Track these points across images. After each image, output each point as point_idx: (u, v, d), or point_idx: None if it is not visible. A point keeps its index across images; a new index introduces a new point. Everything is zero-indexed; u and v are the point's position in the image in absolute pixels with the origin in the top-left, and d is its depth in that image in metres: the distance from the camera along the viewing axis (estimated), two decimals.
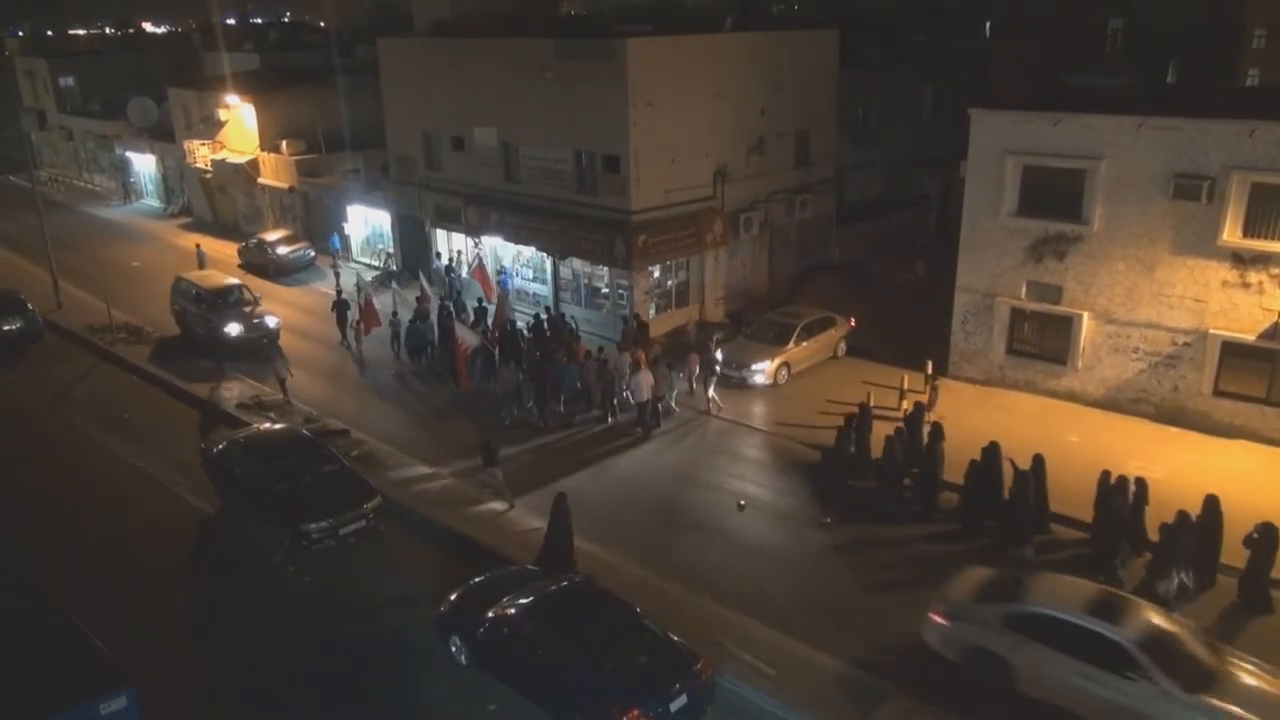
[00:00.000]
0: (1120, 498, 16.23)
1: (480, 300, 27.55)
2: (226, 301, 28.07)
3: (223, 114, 41.42)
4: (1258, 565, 15.13)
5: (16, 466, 21.11)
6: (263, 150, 39.95)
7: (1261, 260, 19.65)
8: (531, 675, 13.32)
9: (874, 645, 14.57)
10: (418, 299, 27.21)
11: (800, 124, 29.95)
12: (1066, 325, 22.37)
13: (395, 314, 27.09)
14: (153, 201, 49.56)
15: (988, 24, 44.27)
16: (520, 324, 26.27)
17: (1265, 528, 15.15)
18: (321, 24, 73.67)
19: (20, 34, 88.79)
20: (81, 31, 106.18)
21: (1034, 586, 13.89)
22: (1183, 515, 15.34)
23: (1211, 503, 15.76)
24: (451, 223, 31.47)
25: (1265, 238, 19.62)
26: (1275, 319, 19.71)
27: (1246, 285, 19.91)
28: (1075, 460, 18.78)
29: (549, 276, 29.35)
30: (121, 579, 16.85)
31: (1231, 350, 20.42)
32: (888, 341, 25.71)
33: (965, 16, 43.60)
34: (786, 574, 16.66)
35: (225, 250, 38.73)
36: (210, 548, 18.27)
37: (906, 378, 22.74)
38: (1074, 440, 20.48)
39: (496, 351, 24.31)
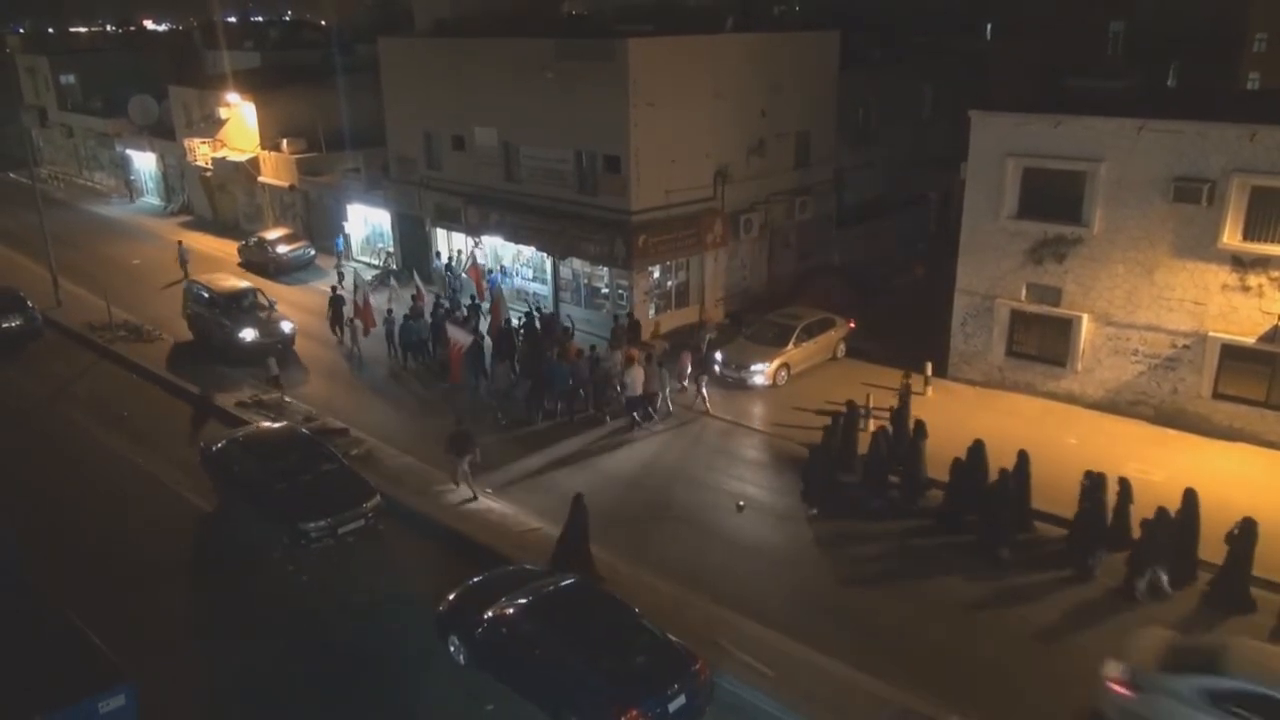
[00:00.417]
0: (1098, 495, 16.35)
1: (473, 298, 27.63)
2: (241, 306, 27.34)
3: (223, 112, 41.41)
4: (1237, 561, 15.21)
5: (16, 464, 21.11)
6: (263, 148, 39.94)
7: (1261, 263, 19.66)
8: (530, 675, 13.33)
9: (872, 644, 14.62)
10: (413, 297, 27.38)
11: (801, 125, 29.97)
12: (1066, 327, 22.38)
13: (390, 312, 27.27)
14: (153, 199, 49.57)
15: (988, 25, 44.29)
16: (514, 322, 26.44)
17: (1245, 523, 15.25)
18: (322, 22, 73.70)
19: (21, 31, 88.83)
20: (83, 29, 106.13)
21: (1234, 656, 12.40)
22: (1162, 511, 15.48)
23: (1189, 498, 15.85)
24: (452, 222, 31.47)
25: (1265, 241, 19.64)
26: (1275, 322, 19.73)
27: (1246, 288, 19.93)
28: (1074, 462, 18.75)
29: (549, 276, 29.37)
30: (121, 577, 16.84)
31: (1231, 353, 20.44)
32: (887, 343, 25.72)
33: (966, 18, 43.62)
34: (781, 573, 16.75)
35: (225, 249, 38.79)
36: (209, 546, 18.27)
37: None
38: (1073, 442, 20.50)
39: (489, 350, 24.37)
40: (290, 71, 42.88)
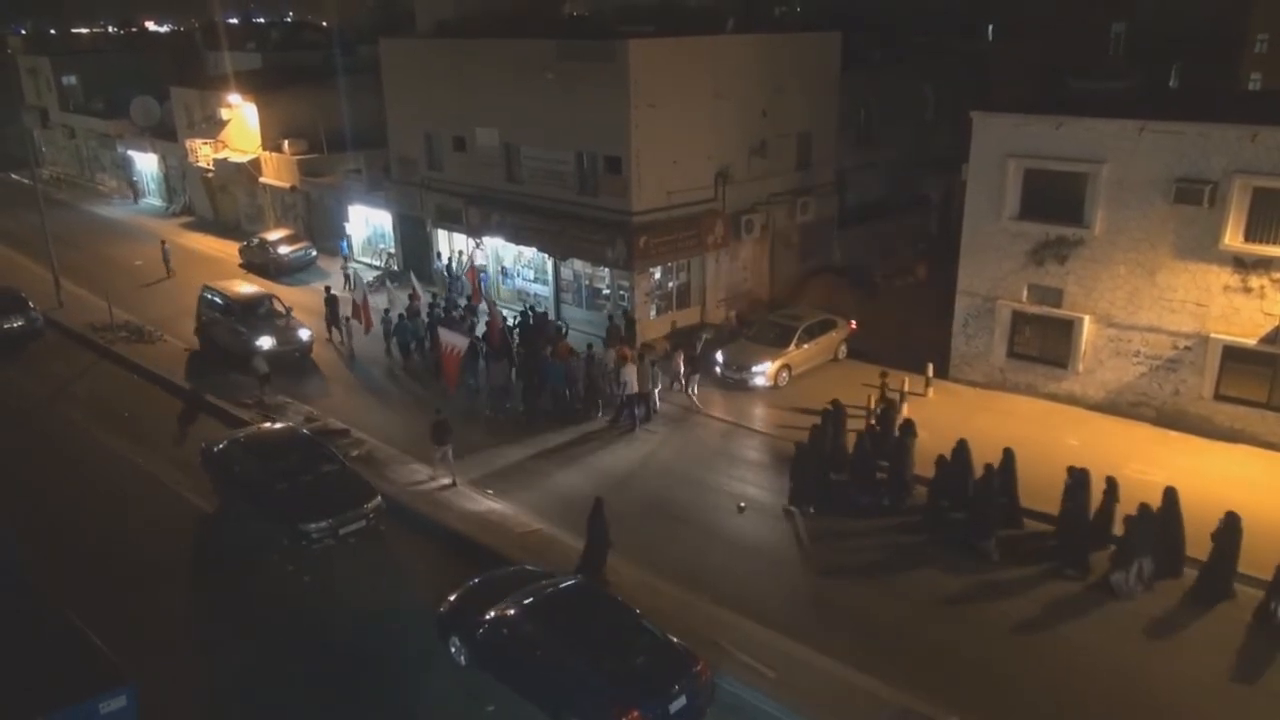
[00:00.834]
0: (1081, 491, 16.48)
1: (468, 299, 27.69)
2: (257, 313, 26.56)
3: (225, 113, 41.45)
4: (1222, 556, 15.36)
5: (16, 464, 21.13)
6: (264, 149, 39.96)
7: (1263, 265, 19.64)
8: (531, 676, 13.32)
9: (862, 642, 14.69)
10: (410, 296, 27.52)
11: (802, 126, 29.96)
12: (1067, 329, 22.37)
13: (387, 311, 27.41)
14: (155, 200, 49.61)
15: (990, 26, 44.23)
16: (509, 321, 26.59)
17: (1229, 517, 15.40)
18: (324, 23, 73.65)
19: (23, 32, 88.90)
20: (84, 30, 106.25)
21: None
22: (1144, 508, 15.66)
23: (1170, 494, 16.06)
24: (453, 223, 31.48)
25: (1267, 242, 19.62)
26: (1276, 323, 19.71)
27: (1248, 290, 19.91)
28: (1075, 463, 18.72)
29: (550, 277, 29.37)
30: (121, 578, 16.83)
31: (1232, 354, 20.42)
32: (888, 344, 25.71)
33: (967, 19, 43.56)
34: (779, 573, 16.81)
35: (227, 249, 38.83)
36: (210, 547, 18.26)
37: (907, 380, 22.73)
38: (1074, 443, 20.47)
39: (484, 349, 24.43)
40: (292, 72, 42.92)
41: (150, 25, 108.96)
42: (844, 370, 25.16)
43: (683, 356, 23.77)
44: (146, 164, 49.64)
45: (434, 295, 28.58)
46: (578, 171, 27.20)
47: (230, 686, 14.20)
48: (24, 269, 35.66)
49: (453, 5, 32.02)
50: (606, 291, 28.01)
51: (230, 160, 41.22)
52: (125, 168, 51.05)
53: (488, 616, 13.80)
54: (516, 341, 25.44)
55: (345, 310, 28.04)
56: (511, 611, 13.68)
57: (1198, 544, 15.81)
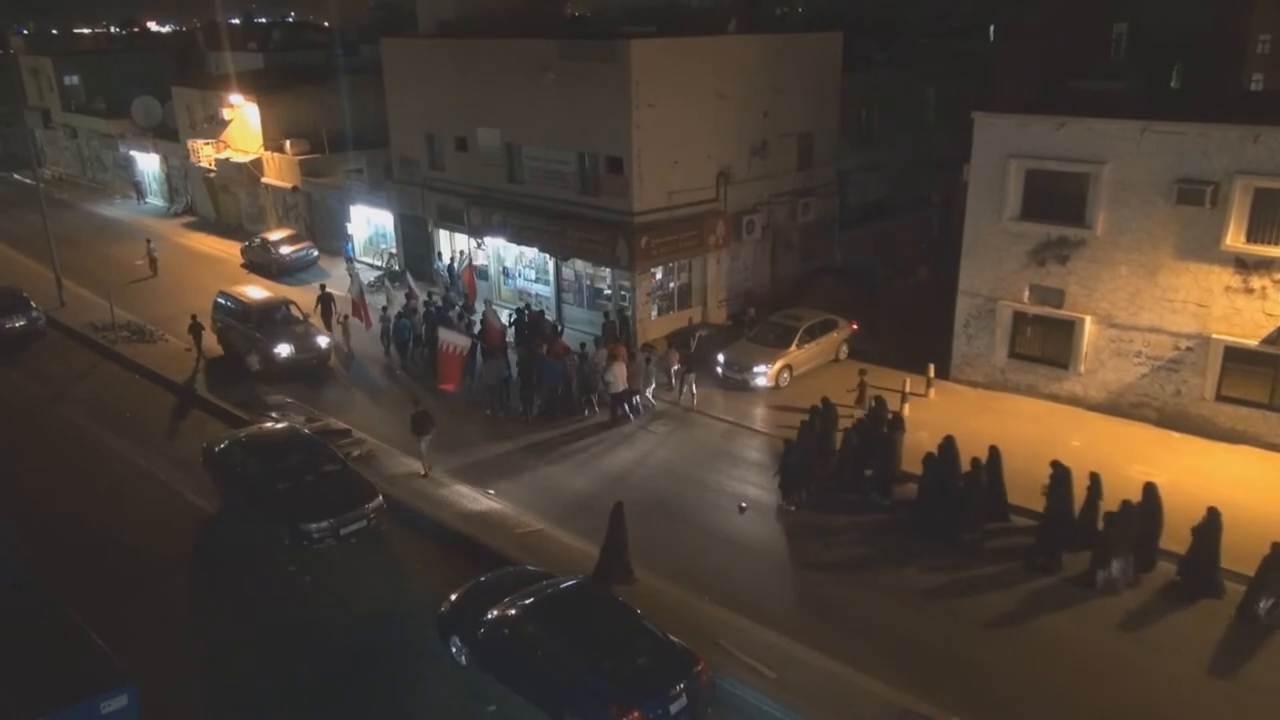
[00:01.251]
0: (1063, 488, 16.60)
1: (465, 298, 27.82)
2: (274, 319, 25.88)
3: (227, 113, 41.49)
4: (1204, 551, 15.47)
5: (17, 463, 21.16)
6: (266, 150, 39.99)
7: (1265, 265, 19.63)
8: (531, 676, 13.32)
9: (857, 640, 14.72)
10: (406, 295, 27.67)
11: (803, 126, 29.96)
12: (1069, 329, 22.36)
13: (385, 310, 27.49)
14: (157, 200, 49.64)
15: (991, 27, 44.23)
16: (505, 319, 26.76)
17: (1210, 513, 15.50)
18: (326, 24, 73.68)
19: (25, 32, 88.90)
20: (86, 30, 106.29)
21: None
22: (1126, 504, 15.77)
23: (1150, 490, 16.20)
24: (454, 223, 31.49)
25: (1268, 243, 19.61)
26: (1278, 324, 19.70)
27: (1249, 290, 19.90)
28: (1075, 463, 18.63)
29: (551, 277, 29.39)
30: (122, 577, 16.84)
31: (1234, 355, 20.41)
32: (889, 345, 25.70)
33: (969, 19, 43.56)
34: (770, 570, 16.92)
35: (228, 249, 38.85)
36: (211, 546, 18.27)
37: (908, 380, 22.73)
38: (1075, 444, 20.46)
39: (479, 348, 24.52)
40: (293, 73, 43.00)
41: (152, 25, 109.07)
42: (845, 370, 25.07)
43: (678, 355, 23.84)
44: (148, 164, 49.66)
45: (429, 294, 28.63)
46: (579, 172, 27.21)
47: (231, 686, 14.21)
48: (27, 269, 35.69)
49: (454, 5, 32.03)
50: (608, 292, 28.02)
51: (232, 160, 41.25)
52: (127, 168, 51.07)
53: (489, 616, 13.80)
54: (512, 340, 25.53)
55: (346, 309, 28.08)
56: (512, 611, 13.68)
57: (1184, 540, 15.88)
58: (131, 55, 59.66)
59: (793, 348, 24.54)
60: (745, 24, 30.50)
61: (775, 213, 29.61)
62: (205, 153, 42.44)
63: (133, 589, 16.46)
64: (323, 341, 26.17)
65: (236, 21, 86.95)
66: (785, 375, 24.30)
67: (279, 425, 20.86)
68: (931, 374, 23.56)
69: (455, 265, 31.59)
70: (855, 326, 26.22)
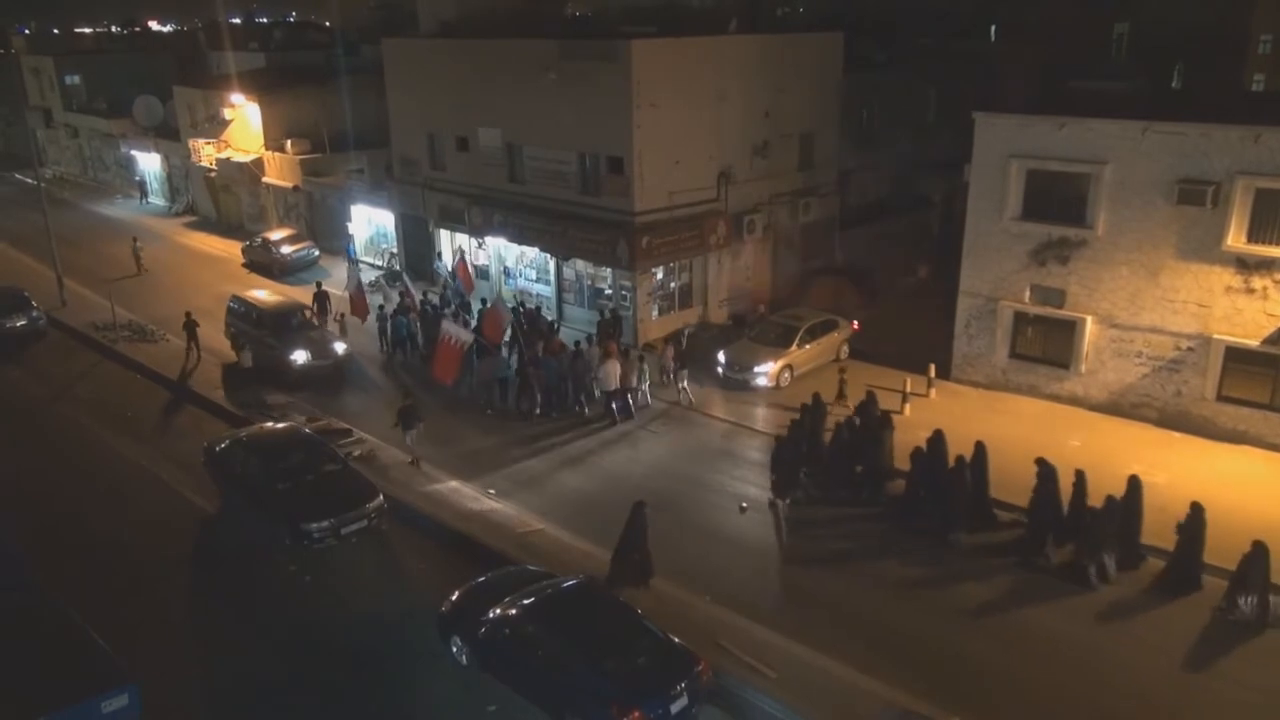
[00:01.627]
0: (1049, 485, 16.64)
1: (462, 295, 27.91)
2: (289, 325, 25.48)
3: (228, 113, 41.52)
4: (1189, 547, 15.56)
5: (18, 463, 21.16)
6: (267, 149, 40.02)
7: (1266, 265, 19.62)
8: (532, 676, 13.33)
9: (850, 637, 14.76)
10: (401, 294, 27.78)
11: (804, 127, 29.95)
12: (1069, 329, 22.35)
13: (381, 308, 27.57)
14: (158, 200, 49.67)
15: (992, 27, 44.20)
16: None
17: (1194, 509, 15.57)
18: (327, 23, 73.68)
19: (26, 32, 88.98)
20: (87, 30, 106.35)
21: None
22: (1110, 500, 15.89)
23: (1133, 483, 16.30)
24: (455, 223, 31.49)
25: (1270, 243, 19.59)
26: (1279, 324, 19.68)
27: (1250, 291, 19.88)
28: (1075, 464, 18.69)
29: (552, 277, 29.39)
30: (123, 577, 16.85)
31: (1235, 355, 20.40)
32: (890, 345, 25.69)
33: (970, 20, 43.53)
34: (766, 567, 16.99)
35: (229, 249, 38.87)
36: (211, 546, 18.28)
37: (909, 380, 22.73)
38: (1076, 445, 20.45)
39: (475, 346, 24.58)
40: (295, 72, 42.98)
41: (153, 25, 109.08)
42: (846, 370, 25.11)
43: (671, 352, 23.89)
44: (149, 164, 49.70)
45: (424, 293, 28.63)
46: (580, 172, 27.21)
47: (232, 686, 14.20)
48: (28, 268, 35.72)
49: (455, 5, 32.04)
50: (609, 291, 28.02)
51: (233, 160, 41.27)
52: (128, 167, 51.10)
53: (489, 616, 13.81)
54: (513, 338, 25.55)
55: (343, 308, 28.12)
56: (513, 611, 13.69)
57: (1170, 537, 15.98)
58: (133, 55, 59.78)
59: (793, 347, 24.54)
60: (746, 24, 30.50)
61: (776, 213, 29.60)
62: (206, 152, 42.48)
63: (133, 589, 16.46)
64: (339, 348, 25.84)
65: (238, 21, 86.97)
66: (786, 375, 24.31)
67: (280, 425, 20.86)
68: (932, 374, 23.56)
69: (454, 265, 31.59)
70: (856, 326, 26.21)
